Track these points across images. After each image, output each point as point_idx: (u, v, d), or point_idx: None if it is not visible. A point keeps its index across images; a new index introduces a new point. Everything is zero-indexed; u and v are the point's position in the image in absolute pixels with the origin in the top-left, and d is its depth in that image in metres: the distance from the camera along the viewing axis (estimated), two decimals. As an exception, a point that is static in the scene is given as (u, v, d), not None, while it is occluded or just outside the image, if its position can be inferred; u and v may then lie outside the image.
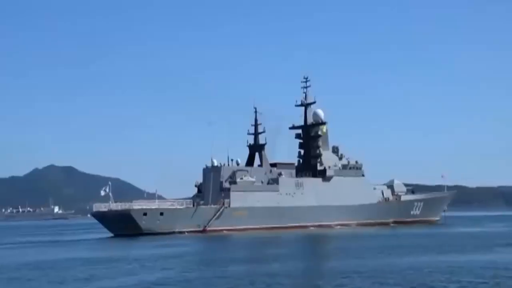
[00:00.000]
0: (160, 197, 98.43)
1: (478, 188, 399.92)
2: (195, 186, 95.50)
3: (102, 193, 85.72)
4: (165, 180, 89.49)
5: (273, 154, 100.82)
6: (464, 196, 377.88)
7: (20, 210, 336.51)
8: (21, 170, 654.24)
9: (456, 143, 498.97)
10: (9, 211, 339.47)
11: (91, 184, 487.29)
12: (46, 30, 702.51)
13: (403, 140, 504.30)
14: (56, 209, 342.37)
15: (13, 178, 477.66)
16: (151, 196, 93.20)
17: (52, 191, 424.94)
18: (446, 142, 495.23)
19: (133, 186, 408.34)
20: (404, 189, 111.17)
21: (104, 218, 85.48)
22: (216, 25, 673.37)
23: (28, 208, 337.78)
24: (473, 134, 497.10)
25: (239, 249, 60.20)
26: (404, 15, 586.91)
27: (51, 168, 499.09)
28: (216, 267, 38.86)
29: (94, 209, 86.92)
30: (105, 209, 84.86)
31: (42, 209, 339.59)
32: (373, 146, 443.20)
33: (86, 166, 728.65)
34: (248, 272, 35.50)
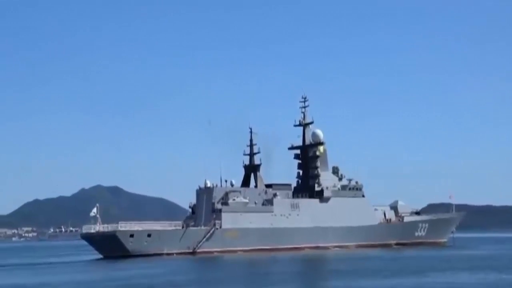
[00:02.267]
0: None
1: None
2: (189, 207, 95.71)
3: (91, 214, 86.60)
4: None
5: (270, 175, 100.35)
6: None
7: (63, 229, 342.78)
8: (69, 190, 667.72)
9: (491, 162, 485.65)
10: (52, 230, 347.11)
11: (136, 203, 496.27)
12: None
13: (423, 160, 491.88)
14: (97, 229, 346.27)
15: (60, 198, 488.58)
16: None
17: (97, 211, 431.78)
18: (476, 161, 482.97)
19: (178, 206, 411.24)
20: (409, 210, 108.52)
21: (92, 240, 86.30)
22: (212, 43, 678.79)
23: (71, 228, 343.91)
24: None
25: (208, 270, 59.90)
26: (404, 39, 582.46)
27: (97, 188, 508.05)
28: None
29: (83, 231, 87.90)
30: (93, 231, 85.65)
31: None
32: (391, 168, 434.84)
33: (132, 186, 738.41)
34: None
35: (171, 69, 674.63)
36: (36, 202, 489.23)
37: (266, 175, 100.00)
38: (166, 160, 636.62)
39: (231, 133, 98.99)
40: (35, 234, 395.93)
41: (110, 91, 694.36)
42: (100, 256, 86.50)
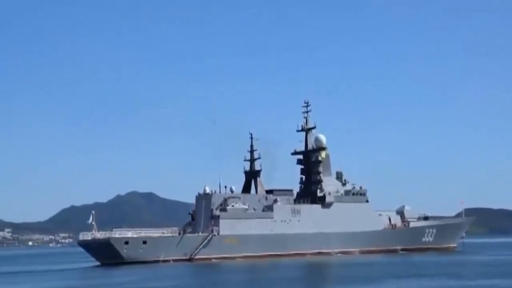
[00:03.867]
0: None
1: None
2: (189, 214, 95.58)
3: (89, 221, 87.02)
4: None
5: (273, 180, 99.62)
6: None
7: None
8: (105, 196, 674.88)
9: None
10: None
11: (170, 209, 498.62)
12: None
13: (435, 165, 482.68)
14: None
15: (96, 204, 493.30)
16: None
17: (131, 217, 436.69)
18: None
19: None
20: (416, 215, 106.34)
21: (89, 247, 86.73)
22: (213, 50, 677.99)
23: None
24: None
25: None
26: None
27: (132, 194, 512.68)
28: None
29: (81, 238, 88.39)
30: (90, 238, 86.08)
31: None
32: (399, 172, 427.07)
33: (167, 192, 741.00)
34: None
35: (174, 74, 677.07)
36: (72, 208, 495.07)
37: (269, 181, 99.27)
38: (198, 165, 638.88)
39: (232, 139, 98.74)
40: (71, 240, 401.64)
41: (126, 97, 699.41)
42: (98, 263, 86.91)
